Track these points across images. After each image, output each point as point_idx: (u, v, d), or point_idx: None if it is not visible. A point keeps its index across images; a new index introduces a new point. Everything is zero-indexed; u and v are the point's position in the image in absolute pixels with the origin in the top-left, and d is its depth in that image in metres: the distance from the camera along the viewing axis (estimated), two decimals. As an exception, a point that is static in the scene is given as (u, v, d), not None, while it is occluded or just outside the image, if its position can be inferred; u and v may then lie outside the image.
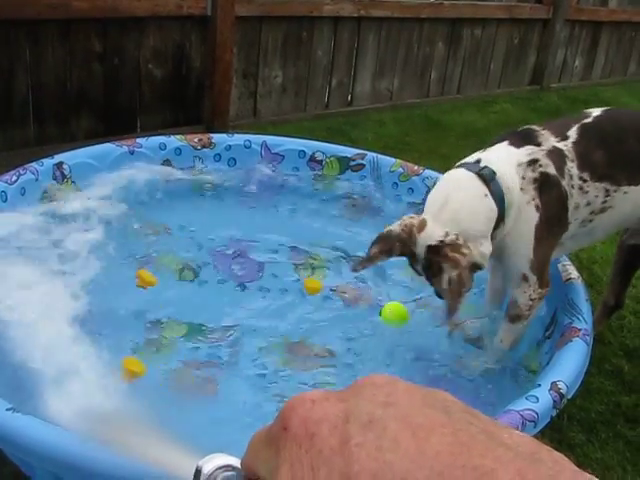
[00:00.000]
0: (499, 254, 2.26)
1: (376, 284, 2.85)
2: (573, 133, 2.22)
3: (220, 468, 0.44)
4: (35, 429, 1.57)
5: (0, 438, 1.61)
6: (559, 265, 2.60)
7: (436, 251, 2.06)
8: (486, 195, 2.11)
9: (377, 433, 0.35)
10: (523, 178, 2.14)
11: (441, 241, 2.06)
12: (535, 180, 2.14)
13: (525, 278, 2.22)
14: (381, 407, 0.37)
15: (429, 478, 0.33)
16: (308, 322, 2.56)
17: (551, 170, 2.15)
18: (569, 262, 2.63)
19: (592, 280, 3.29)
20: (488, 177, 2.12)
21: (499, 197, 2.11)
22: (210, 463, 0.44)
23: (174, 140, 3.33)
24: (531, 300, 2.25)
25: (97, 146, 3.22)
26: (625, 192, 2.27)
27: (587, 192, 2.21)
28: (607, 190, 2.24)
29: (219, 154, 3.36)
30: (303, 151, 3.42)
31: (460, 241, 2.06)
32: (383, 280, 2.87)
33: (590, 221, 2.29)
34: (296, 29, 5.21)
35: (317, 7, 5.21)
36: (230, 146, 3.38)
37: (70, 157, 3.03)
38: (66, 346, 1.93)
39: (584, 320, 2.27)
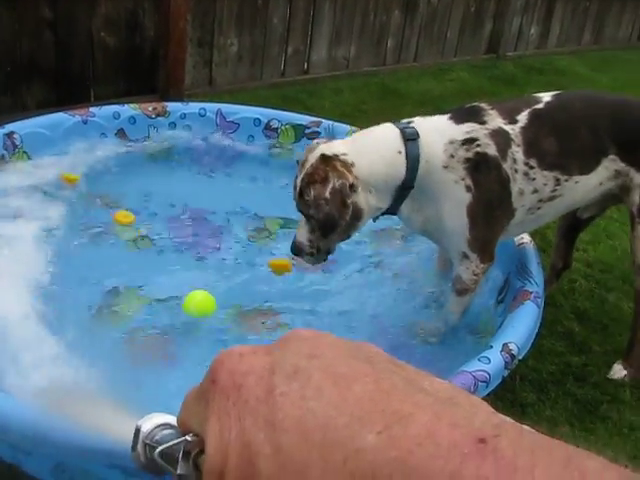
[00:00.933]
0: (434, 234, 2.27)
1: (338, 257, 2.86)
2: (523, 118, 2.20)
3: (158, 426, 0.45)
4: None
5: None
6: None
7: (326, 160, 2.04)
8: (400, 152, 2.08)
9: (301, 383, 0.37)
10: (451, 156, 2.10)
11: (336, 154, 2.05)
12: (467, 160, 2.10)
13: (465, 256, 2.23)
14: (306, 359, 0.38)
15: (349, 423, 0.34)
16: (263, 293, 2.57)
17: (491, 151, 2.12)
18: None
19: (545, 245, 3.34)
20: (408, 136, 2.09)
21: (413, 161, 2.08)
22: (149, 422, 0.45)
23: (128, 109, 3.29)
24: (475, 275, 2.26)
25: (49, 115, 3.17)
26: (576, 182, 2.28)
27: (534, 179, 2.20)
28: (557, 179, 2.24)
29: (174, 122, 3.34)
30: (258, 119, 3.41)
31: (352, 167, 2.03)
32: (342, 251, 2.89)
33: (538, 208, 2.29)
34: (251, -4, 5.16)
35: (272, -26, 5.16)
36: (185, 114, 3.36)
37: (21, 127, 2.99)
38: (22, 323, 1.92)
39: (535, 283, 2.32)
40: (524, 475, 0.31)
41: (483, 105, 2.23)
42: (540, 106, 2.26)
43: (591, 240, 3.62)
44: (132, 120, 3.26)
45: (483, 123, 2.15)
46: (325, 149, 2.08)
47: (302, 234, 2.15)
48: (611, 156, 2.30)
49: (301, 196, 2.09)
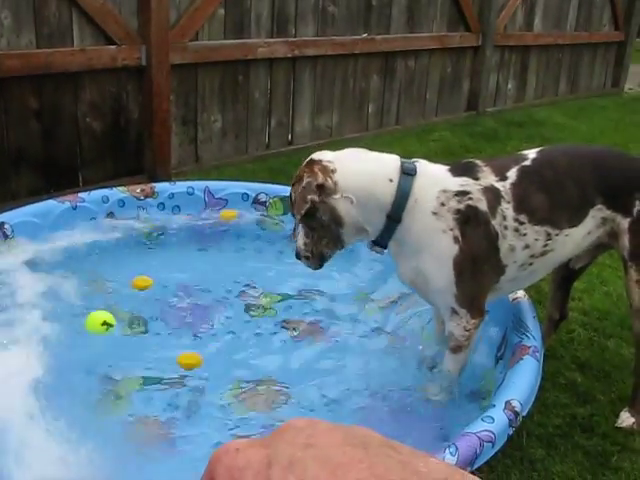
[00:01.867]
0: (422, 288, 2.27)
1: (328, 318, 2.87)
2: (512, 175, 2.25)
3: None
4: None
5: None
6: (505, 286, 2.66)
7: (310, 163, 2.16)
8: (391, 181, 2.14)
9: (298, 474, 0.37)
10: (442, 204, 2.14)
11: (321, 159, 2.15)
12: (458, 211, 2.13)
13: (455, 311, 2.23)
14: (301, 449, 0.39)
15: None
16: (263, 361, 2.56)
17: (482, 206, 2.16)
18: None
19: (540, 297, 3.35)
20: (405, 170, 2.15)
21: (401, 193, 2.13)
22: None
23: (116, 192, 3.33)
24: (466, 331, 2.26)
25: (39, 204, 3.20)
26: (566, 235, 2.31)
27: (525, 235, 2.23)
28: (549, 234, 2.27)
29: (162, 203, 3.37)
30: (246, 194, 3.45)
31: (332, 174, 2.11)
32: (333, 316, 2.90)
33: (530, 264, 2.30)
34: (232, 73, 5.27)
35: (251, 50, 5.28)
36: (173, 194, 3.39)
37: (12, 217, 3.02)
38: (21, 420, 1.90)
39: (533, 337, 2.32)
40: None
41: (478, 162, 2.28)
42: (527, 163, 2.31)
43: (586, 288, 3.63)
44: (121, 203, 3.30)
45: (477, 179, 2.20)
46: (316, 155, 2.19)
47: (300, 239, 2.24)
48: (598, 206, 2.34)
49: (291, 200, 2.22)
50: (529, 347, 2.26)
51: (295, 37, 5.61)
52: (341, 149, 2.23)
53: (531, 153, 2.37)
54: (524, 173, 2.26)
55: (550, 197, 2.26)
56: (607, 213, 2.37)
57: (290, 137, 5.87)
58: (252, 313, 2.88)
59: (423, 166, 2.21)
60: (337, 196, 2.11)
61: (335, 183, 2.11)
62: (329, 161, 2.14)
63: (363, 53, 6.19)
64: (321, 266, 2.31)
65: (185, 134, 5.11)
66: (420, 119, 7.03)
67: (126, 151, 4.77)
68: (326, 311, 2.92)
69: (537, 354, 2.23)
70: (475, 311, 2.24)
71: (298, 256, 2.28)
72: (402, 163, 2.18)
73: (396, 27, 6.46)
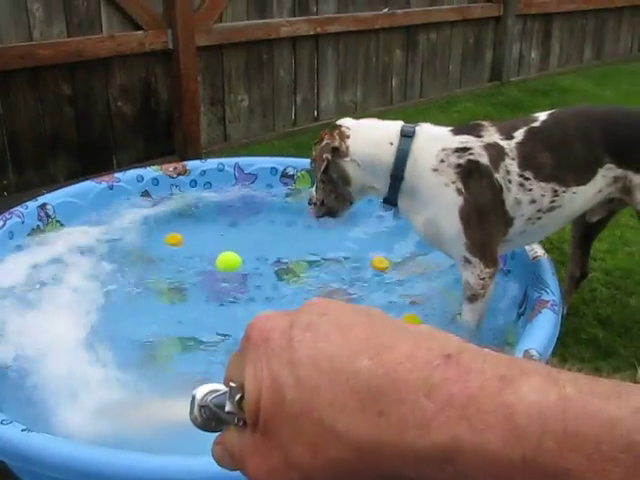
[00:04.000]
0: (435, 240, 2.45)
1: (357, 284, 2.99)
2: (519, 135, 2.38)
3: (209, 392, 0.55)
4: (49, 445, 1.71)
5: (18, 457, 1.75)
6: (526, 246, 2.75)
7: (333, 127, 2.49)
8: (391, 144, 2.38)
9: (313, 332, 0.49)
10: (442, 161, 2.31)
11: (341, 125, 2.47)
12: (458, 165, 2.30)
13: (468, 260, 2.38)
14: (317, 316, 0.50)
15: (349, 355, 0.47)
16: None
17: (483, 160, 2.31)
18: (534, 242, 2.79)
19: (563, 258, 3.42)
20: (404, 133, 2.38)
21: (401, 155, 2.36)
22: (201, 390, 0.55)
23: (150, 171, 3.47)
24: (481, 280, 2.39)
25: (78, 185, 3.36)
26: (574, 192, 2.41)
27: (530, 190, 2.35)
28: (555, 191, 2.38)
29: (195, 180, 3.51)
30: (275, 168, 3.57)
31: (346, 138, 2.41)
32: (363, 282, 3.01)
33: (539, 218, 2.43)
34: (256, 53, 5.38)
35: (274, 30, 5.38)
36: (204, 171, 3.53)
37: (53, 198, 3.17)
38: (74, 365, 2.07)
39: (551, 292, 2.42)
40: (476, 374, 0.43)
41: (484, 123, 2.43)
42: (536, 124, 2.42)
43: (608, 249, 3.70)
44: (155, 181, 3.44)
45: (479, 137, 2.35)
46: (340, 120, 2.51)
47: (314, 189, 2.57)
48: (607, 165, 2.42)
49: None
50: (548, 301, 2.36)
51: (317, 15, 5.70)
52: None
53: (542, 115, 2.47)
54: (531, 133, 2.39)
55: (556, 156, 2.37)
56: (618, 172, 2.45)
57: (316, 113, 5.98)
58: (284, 279, 3.01)
59: (424, 128, 2.41)
60: (347, 159, 2.41)
61: (347, 147, 2.40)
62: (347, 127, 2.44)
63: (385, 28, 6.25)
64: (324, 215, 2.59)
65: (213, 114, 5.24)
66: (443, 91, 7.08)
67: (157, 133, 4.93)
68: (355, 278, 3.04)
69: (555, 307, 2.33)
70: (488, 260, 2.37)
71: (309, 202, 2.59)
72: (402, 127, 2.39)
73: (417, 1, 6.51)
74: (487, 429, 0.41)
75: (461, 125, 2.48)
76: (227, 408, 0.51)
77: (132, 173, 3.48)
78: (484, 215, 2.33)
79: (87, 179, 3.50)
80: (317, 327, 0.49)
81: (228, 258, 3.03)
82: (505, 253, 2.62)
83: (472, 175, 2.30)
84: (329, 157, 2.40)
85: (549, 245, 3.51)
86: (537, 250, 2.70)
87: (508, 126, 2.42)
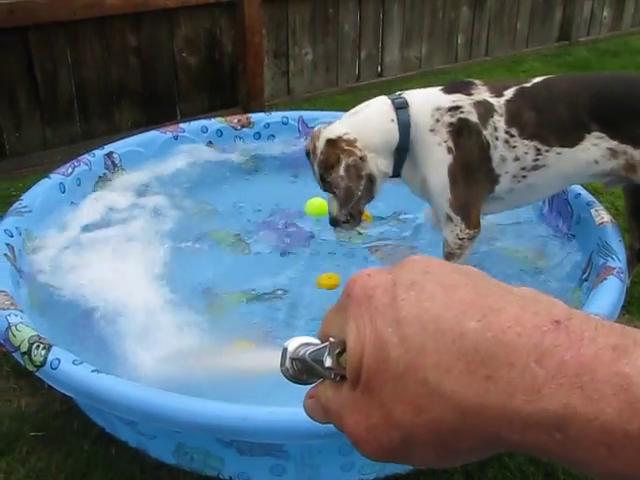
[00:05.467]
0: (427, 195, 2.49)
1: (417, 242, 2.98)
2: (509, 93, 2.42)
3: (301, 345, 0.56)
4: (115, 386, 1.77)
5: (86, 395, 1.82)
6: (592, 211, 2.71)
7: (333, 144, 2.38)
8: (392, 120, 2.39)
9: (417, 291, 0.48)
10: (437, 120, 2.36)
11: (339, 136, 2.38)
12: (451, 124, 2.35)
13: (449, 218, 2.43)
14: (420, 274, 0.50)
15: (455, 316, 0.46)
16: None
17: (472, 118, 2.36)
18: (602, 207, 2.74)
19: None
20: (397, 105, 2.40)
21: (404, 126, 2.38)
22: (293, 342, 0.56)
23: (215, 122, 3.50)
24: (459, 239, 2.44)
25: (143, 134, 3.41)
26: (558, 153, 2.40)
27: (515, 147, 2.38)
28: (538, 149, 2.39)
29: (258, 132, 3.52)
30: (338, 122, 3.54)
31: (356, 143, 2.36)
32: (421, 240, 3.00)
33: (524, 177, 2.44)
34: (322, 6, 5.32)
35: (341, -17, 5.31)
36: (269, 124, 3.53)
37: (119, 146, 3.23)
38: (144, 310, 2.14)
39: (617, 259, 2.38)
40: (589, 342, 0.43)
41: (476, 81, 2.48)
42: (527, 85, 2.46)
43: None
44: (219, 133, 3.46)
45: (470, 95, 2.40)
46: (328, 134, 2.41)
47: (334, 208, 2.49)
48: (595, 133, 2.36)
49: (322, 180, 2.45)
50: (614, 268, 2.32)
51: (384, -32, 5.60)
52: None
53: (537, 78, 2.50)
54: (521, 92, 2.43)
55: (540, 115, 2.39)
56: (613, 144, 2.37)
57: (379, 69, 5.91)
58: (344, 238, 3.02)
59: (412, 95, 2.45)
60: (369, 159, 2.38)
61: (361, 150, 2.36)
62: (345, 133, 2.39)
63: (453, -17, 6.12)
64: (360, 223, 2.60)
65: (277, 67, 5.23)
66: (510, 50, 6.91)
67: (221, 84, 4.93)
68: (414, 236, 3.03)
69: (621, 275, 2.29)
70: (469, 221, 2.43)
71: (335, 223, 2.54)
72: (392, 100, 2.42)
73: (487, -45, 6.34)
74: (601, 399, 0.41)
75: (452, 83, 2.50)
76: (327, 363, 0.51)
77: (196, 124, 3.50)
78: (471, 173, 2.39)
79: (151, 129, 3.54)
80: (421, 286, 0.49)
81: (318, 203, 3.04)
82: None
83: (462, 133, 2.36)
84: (367, 170, 2.37)
85: (615, 212, 3.43)
86: (604, 216, 2.65)
87: (499, 85, 2.47)
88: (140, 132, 3.54)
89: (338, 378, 0.51)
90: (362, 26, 5.63)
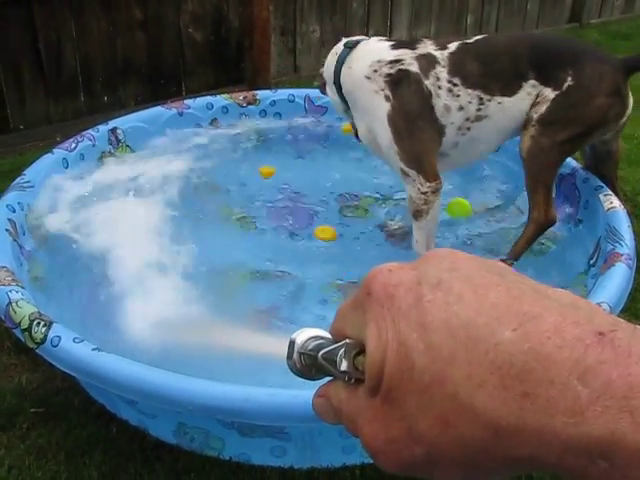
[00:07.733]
0: (377, 149, 2.59)
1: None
2: (453, 46, 2.53)
3: (311, 338, 0.51)
4: (116, 364, 1.76)
5: (86, 374, 1.81)
6: (601, 196, 2.67)
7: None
8: (335, 54, 2.64)
9: (444, 292, 0.44)
10: (375, 71, 2.48)
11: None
12: (389, 75, 2.46)
13: (405, 173, 2.48)
14: (447, 272, 0.45)
15: (488, 323, 0.42)
16: (360, 260, 2.68)
17: (413, 69, 2.46)
18: (610, 193, 2.70)
19: (637, 211, 3.32)
20: (345, 44, 2.63)
21: (338, 62, 2.60)
22: (302, 335, 0.52)
23: (220, 99, 3.46)
24: (422, 194, 2.47)
25: (147, 110, 3.37)
26: (499, 102, 2.49)
27: (458, 96, 2.47)
28: (481, 98, 2.48)
29: (264, 110, 3.48)
30: (346, 101, 3.50)
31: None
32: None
33: (468, 129, 2.51)
34: (330, -17, 5.26)
35: (350, -41, 5.24)
36: (275, 101, 3.49)
37: (123, 122, 3.19)
38: (145, 283, 2.14)
39: (626, 245, 2.34)
40: (638, 359, 0.38)
41: (424, 38, 2.60)
42: (470, 40, 2.58)
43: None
44: (225, 110, 3.42)
45: (414, 49, 2.51)
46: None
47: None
48: (531, 81, 2.49)
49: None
50: (622, 254, 2.29)
51: (394, -55, 5.52)
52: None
53: (480, 36, 2.65)
54: (464, 46, 2.55)
55: (484, 66, 2.50)
56: (540, 89, 2.50)
57: (387, 48, 5.84)
58: (349, 215, 2.99)
59: (367, 42, 2.62)
60: (327, 87, 2.72)
61: (323, 78, 2.74)
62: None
63: (463, -39, 6.04)
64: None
65: (284, 44, 5.17)
66: (520, 31, 6.83)
67: (227, 61, 4.88)
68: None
69: (630, 262, 2.26)
70: (427, 174, 2.46)
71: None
72: (347, 40, 2.62)
73: None
74: None
75: (403, 40, 2.65)
76: (342, 367, 0.47)
77: (202, 100, 3.47)
78: (413, 121, 2.45)
79: (156, 105, 3.50)
80: (449, 286, 0.44)
81: (460, 203, 3.04)
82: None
83: (401, 83, 2.46)
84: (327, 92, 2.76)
85: (623, 197, 3.40)
86: (613, 201, 2.61)
87: (445, 40, 2.59)
88: (145, 108, 3.50)
89: (353, 381, 0.47)
90: (370, 4, 5.57)
